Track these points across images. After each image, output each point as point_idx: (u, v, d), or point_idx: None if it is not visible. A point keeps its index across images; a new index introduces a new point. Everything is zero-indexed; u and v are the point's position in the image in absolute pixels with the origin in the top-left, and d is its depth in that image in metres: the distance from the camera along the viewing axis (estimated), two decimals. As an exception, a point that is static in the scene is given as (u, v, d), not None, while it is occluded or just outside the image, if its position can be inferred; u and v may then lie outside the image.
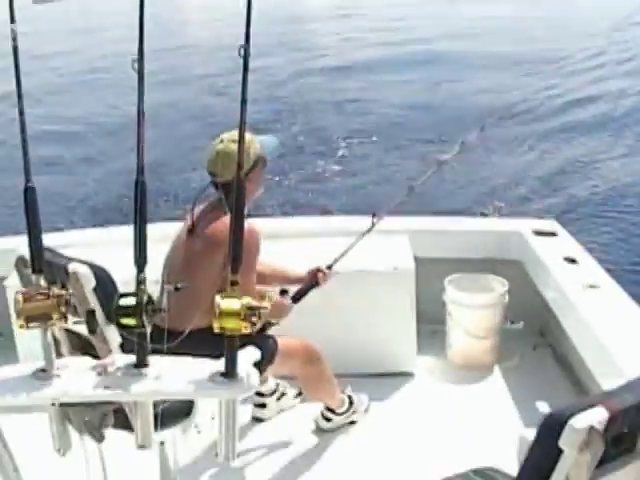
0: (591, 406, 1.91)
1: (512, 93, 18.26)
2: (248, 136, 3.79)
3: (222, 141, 3.94)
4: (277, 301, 4.17)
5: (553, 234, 5.27)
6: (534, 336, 5.38)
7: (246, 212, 2.95)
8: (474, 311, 5.04)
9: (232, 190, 3.53)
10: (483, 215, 10.45)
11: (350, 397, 4.54)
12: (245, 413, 4.59)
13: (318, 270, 4.41)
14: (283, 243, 5.02)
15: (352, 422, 4.55)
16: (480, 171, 13.16)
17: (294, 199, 12.20)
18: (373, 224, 4.52)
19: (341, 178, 13.37)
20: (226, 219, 3.64)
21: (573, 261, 4.81)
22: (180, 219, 4.41)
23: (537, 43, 28.15)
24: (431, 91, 20.54)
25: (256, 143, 3.94)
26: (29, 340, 2.78)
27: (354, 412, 4.54)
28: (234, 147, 3.62)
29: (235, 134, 3.72)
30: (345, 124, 17.11)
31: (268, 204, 11.12)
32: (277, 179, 12.75)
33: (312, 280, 4.39)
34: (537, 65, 22.37)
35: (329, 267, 4.46)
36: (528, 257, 5.17)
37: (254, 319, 2.48)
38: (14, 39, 2.84)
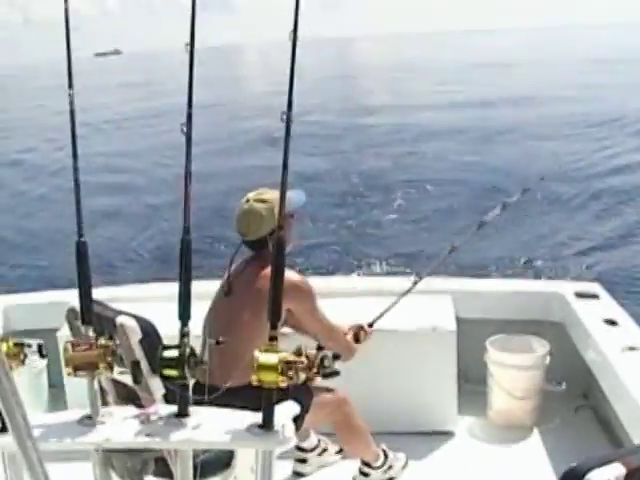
0: (610, 462, 1.96)
1: (562, 155, 18.36)
2: (271, 195, 3.92)
3: (248, 201, 4.02)
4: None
5: (595, 296, 5.28)
6: (576, 398, 5.37)
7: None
8: (515, 372, 5.05)
9: (264, 247, 3.80)
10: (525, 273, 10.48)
11: (385, 451, 4.55)
12: (286, 468, 4.65)
13: (360, 328, 4.49)
14: (327, 301, 5.10)
15: (390, 479, 4.57)
16: (526, 232, 13.16)
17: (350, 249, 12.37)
18: (415, 283, 4.61)
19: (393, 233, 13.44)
20: (263, 274, 3.79)
21: (613, 323, 4.82)
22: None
23: (598, 103, 28.31)
24: (484, 153, 20.62)
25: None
26: (79, 391, 2.90)
27: (390, 467, 4.54)
28: (259, 206, 3.95)
29: (261, 192, 4.02)
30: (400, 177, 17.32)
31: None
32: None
33: (354, 337, 4.46)
34: (590, 128, 22.40)
35: (370, 325, 4.55)
36: (569, 319, 5.19)
37: (291, 373, 2.57)
38: (71, 103, 3.01)
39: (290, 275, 3.71)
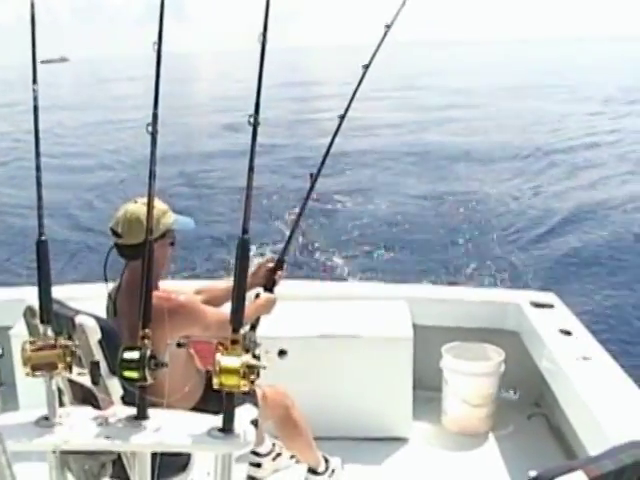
0: (571, 470, 1.99)
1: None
2: (162, 205, 3.63)
3: (135, 202, 3.62)
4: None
5: (550, 306, 5.34)
6: (529, 406, 5.42)
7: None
8: (470, 379, 5.09)
9: (138, 257, 3.27)
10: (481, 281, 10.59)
11: (324, 456, 4.51)
12: (241, 472, 4.62)
13: (272, 270, 4.11)
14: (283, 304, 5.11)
15: None
16: (484, 240, 13.30)
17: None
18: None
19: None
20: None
21: (568, 333, 4.87)
22: (185, 276, 4.47)
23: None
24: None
25: (169, 215, 3.67)
26: (31, 389, 2.87)
27: (333, 471, 4.51)
28: (145, 209, 3.35)
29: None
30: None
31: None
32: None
33: (269, 281, 4.10)
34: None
35: (280, 263, 4.13)
36: (525, 328, 5.24)
37: (252, 377, 2.56)
38: (35, 99, 2.98)
39: (164, 300, 3.44)
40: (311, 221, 14.65)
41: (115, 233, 3.57)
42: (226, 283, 4.16)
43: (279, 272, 4.09)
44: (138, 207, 3.53)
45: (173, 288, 3.74)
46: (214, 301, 3.99)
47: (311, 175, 4.11)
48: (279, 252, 4.19)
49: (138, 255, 3.37)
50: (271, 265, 4.08)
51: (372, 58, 4.10)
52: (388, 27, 4.17)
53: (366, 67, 4.11)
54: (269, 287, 4.06)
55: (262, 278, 4.03)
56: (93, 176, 20.19)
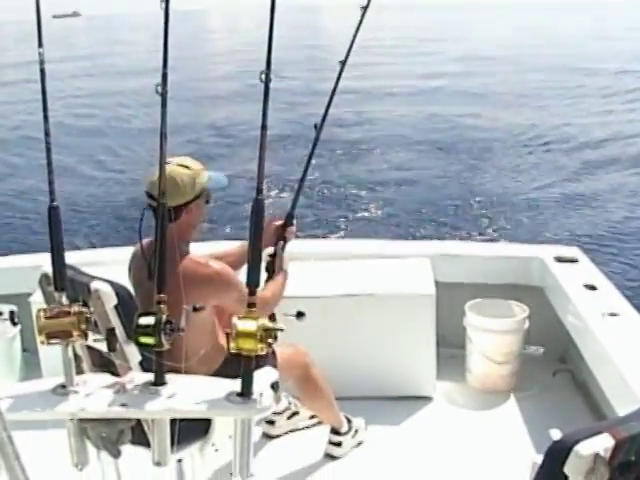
0: (598, 433, 1.93)
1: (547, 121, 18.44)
2: (196, 165, 3.55)
3: (169, 163, 3.44)
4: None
5: (574, 261, 5.26)
6: (554, 362, 5.37)
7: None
8: (494, 336, 5.03)
9: (177, 218, 3.27)
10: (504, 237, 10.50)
11: (347, 416, 4.46)
12: (258, 430, 4.59)
13: (282, 226, 4.03)
14: (304, 264, 5.07)
15: (360, 443, 4.50)
16: (506, 195, 13.18)
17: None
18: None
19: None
20: (186, 261, 3.42)
21: (593, 288, 4.81)
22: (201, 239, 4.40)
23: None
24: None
25: (203, 174, 3.57)
26: (52, 356, 2.84)
27: (356, 431, 4.48)
28: (182, 171, 3.43)
29: (185, 159, 3.55)
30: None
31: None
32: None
33: (280, 238, 4.02)
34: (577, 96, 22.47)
35: (290, 218, 4.05)
36: (549, 283, 5.18)
37: (270, 340, 2.52)
38: (41, 62, 2.92)
39: (203, 266, 3.44)
40: (330, 177, 14.60)
41: (152, 197, 3.41)
42: (239, 247, 4.12)
43: (290, 228, 4.01)
44: (173, 169, 3.43)
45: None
46: (232, 266, 3.93)
47: (315, 126, 4.00)
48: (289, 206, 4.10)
49: (177, 217, 3.36)
50: (280, 221, 4.00)
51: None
52: None
53: (364, 8, 3.97)
54: (281, 245, 3.97)
55: (272, 235, 3.94)
56: (105, 138, 20.10)
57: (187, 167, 3.50)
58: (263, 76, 2.74)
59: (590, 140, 17.73)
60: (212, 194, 3.66)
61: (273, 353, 3.77)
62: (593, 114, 21.56)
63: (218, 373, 3.55)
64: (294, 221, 4.05)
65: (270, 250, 3.92)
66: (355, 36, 3.96)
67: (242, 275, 4.16)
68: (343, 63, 3.97)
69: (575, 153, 16.29)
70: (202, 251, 3.92)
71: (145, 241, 3.56)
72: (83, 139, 19.79)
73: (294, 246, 4.17)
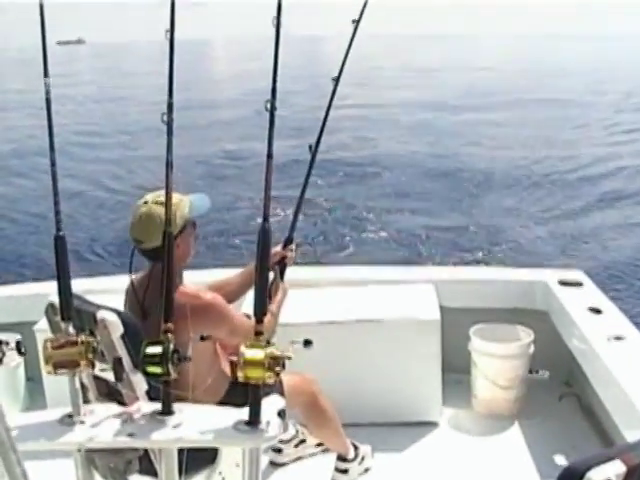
0: (609, 459, 1.92)
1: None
2: (176, 195, 3.36)
3: (146, 202, 3.54)
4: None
5: (579, 284, 5.26)
6: (560, 386, 5.35)
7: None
8: (499, 361, 5.02)
9: (159, 257, 3.08)
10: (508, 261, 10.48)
11: (353, 443, 4.45)
12: (264, 458, 4.56)
13: (282, 250, 4.08)
14: (307, 291, 5.09)
15: (367, 470, 4.48)
16: (510, 220, 13.18)
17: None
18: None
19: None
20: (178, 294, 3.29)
21: (598, 311, 4.80)
22: (215, 266, 4.38)
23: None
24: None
25: (184, 205, 3.56)
26: (57, 385, 2.83)
27: (363, 458, 4.46)
28: (160, 210, 3.36)
29: (160, 194, 3.47)
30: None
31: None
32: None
33: (278, 264, 4.06)
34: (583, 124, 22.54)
35: (289, 241, 4.10)
36: (553, 307, 5.17)
37: (278, 368, 2.51)
38: (47, 92, 2.93)
39: (192, 298, 3.42)
40: (335, 203, 14.62)
41: (135, 239, 3.52)
42: (239, 276, 4.16)
43: (289, 253, 4.05)
44: (150, 208, 3.48)
45: (193, 281, 3.69)
46: (228, 297, 3.95)
47: (310, 147, 4.00)
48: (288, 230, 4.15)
49: (162, 255, 3.35)
50: (279, 245, 4.03)
51: (362, 12, 4.01)
52: None
53: (357, 22, 4.00)
54: (281, 269, 4.02)
55: (272, 260, 3.93)
56: (108, 163, 20.12)
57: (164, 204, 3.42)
58: (268, 105, 2.75)
59: (596, 170, 17.77)
60: (195, 221, 3.68)
61: (280, 381, 3.75)
62: (596, 145, 21.60)
63: (223, 401, 3.55)
64: (293, 246, 4.09)
65: (270, 276, 3.93)
66: (348, 50, 3.96)
67: (244, 303, 4.21)
68: (337, 79, 3.97)
69: (579, 182, 16.31)
70: (203, 280, 3.92)
71: (136, 277, 3.62)
72: (89, 165, 19.81)
73: (299, 273, 4.18)
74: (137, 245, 3.53)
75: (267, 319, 3.72)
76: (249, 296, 4.12)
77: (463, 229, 12.88)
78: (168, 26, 2.92)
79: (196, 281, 3.73)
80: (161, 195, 3.48)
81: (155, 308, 3.36)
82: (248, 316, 3.71)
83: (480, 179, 16.30)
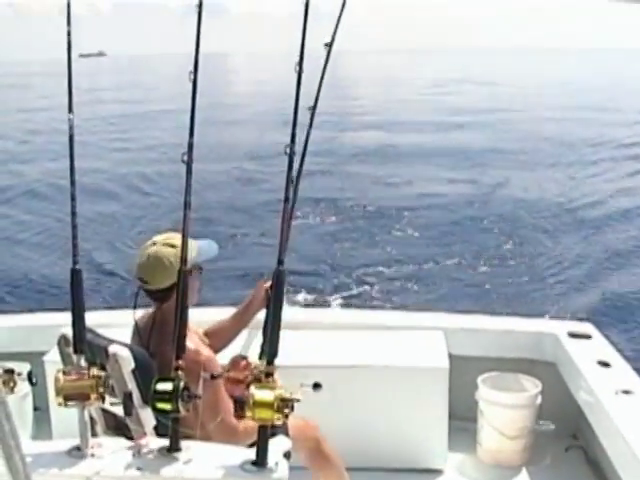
0: None
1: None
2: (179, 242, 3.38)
3: (154, 244, 3.56)
4: None
5: (588, 337, 5.26)
6: (566, 438, 5.33)
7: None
8: (506, 410, 5.01)
9: (169, 298, 3.27)
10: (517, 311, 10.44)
11: None
12: None
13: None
14: (312, 334, 5.11)
15: None
16: (520, 269, 13.16)
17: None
18: None
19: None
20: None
21: (607, 365, 4.80)
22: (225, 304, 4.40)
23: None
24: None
25: (192, 248, 3.42)
26: (65, 416, 2.86)
27: None
28: (168, 251, 3.44)
29: (170, 237, 3.54)
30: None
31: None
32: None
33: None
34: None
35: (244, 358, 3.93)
36: (562, 359, 5.17)
37: (286, 410, 2.54)
38: (70, 128, 2.99)
39: (192, 352, 3.33)
40: (343, 245, 14.66)
41: (141, 280, 3.53)
42: (231, 320, 4.19)
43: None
44: (158, 249, 3.53)
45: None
46: (224, 341, 4.04)
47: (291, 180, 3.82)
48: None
49: (168, 297, 3.42)
50: (270, 282, 3.95)
51: (333, 36, 3.64)
52: None
53: (329, 45, 3.55)
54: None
55: (264, 299, 4.00)
56: (124, 195, 20.19)
57: (173, 246, 3.50)
58: (287, 149, 2.79)
59: (606, 205, 17.73)
60: (202, 265, 3.72)
61: (284, 423, 3.75)
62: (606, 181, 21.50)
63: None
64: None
65: (262, 312, 3.94)
66: (322, 77, 3.62)
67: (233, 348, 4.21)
68: (313, 108, 3.73)
69: (588, 226, 16.22)
70: (199, 317, 3.92)
71: (141, 317, 3.66)
72: (107, 196, 19.89)
73: (309, 314, 4.20)
74: (142, 285, 3.54)
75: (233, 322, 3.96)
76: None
77: (472, 275, 12.91)
78: (189, 39, 2.97)
79: (194, 320, 3.74)
80: (170, 237, 3.58)
81: (158, 348, 3.44)
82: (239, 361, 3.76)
83: (491, 219, 16.29)
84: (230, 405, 3.47)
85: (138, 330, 3.64)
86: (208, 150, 23.87)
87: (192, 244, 3.54)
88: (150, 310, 3.67)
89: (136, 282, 3.57)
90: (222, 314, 4.28)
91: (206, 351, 3.54)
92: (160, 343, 3.41)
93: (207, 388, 3.33)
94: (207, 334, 4.07)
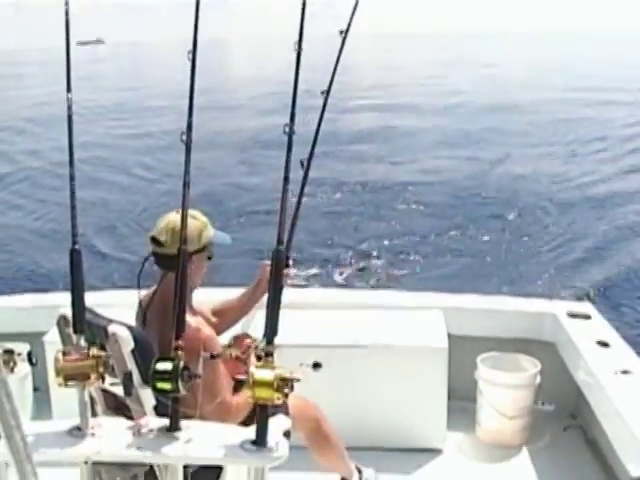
0: None
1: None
2: (203, 218, 3.64)
3: (177, 212, 3.44)
4: None
5: (587, 317, 5.27)
6: (565, 418, 5.35)
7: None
8: (505, 390, 5.03)
9: (173, 268, 3.12)
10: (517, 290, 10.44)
11: (357, 467, 4.41)
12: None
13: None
14: (314, 313, 5.12)
15: None
16: (520, 249, 13.15)
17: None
18: None
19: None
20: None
21: (606, 345, 4.81)
22: (222, 285, 4.40)
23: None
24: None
25: (210, 229, 3.68)
26: (64, 397, 2.86)
27: None
28: (189, 220, 3.33)
29: (193, 212, 3.55)
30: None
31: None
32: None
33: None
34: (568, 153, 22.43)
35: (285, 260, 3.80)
36: (561, 339, 5.17)
37: (286, 390, 2.54)
38: (69, 107, 2.98)
39: (193, 330, 3.36)
40: (344, 225, 14.66)
41: (156, 242, 3.53)
42: (239, 300, 4.18)
43: (286, 271, 4.02)
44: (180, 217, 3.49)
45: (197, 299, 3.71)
46: (230, 321, 4.06)
47: (302, 163, 3.82)
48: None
49: (175, 267, 3.38)
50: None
51: (349, 23, 3.91)
52: None
53: (345, 32, 3.89)
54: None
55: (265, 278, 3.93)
56: (125, 179, 20.16)
57: (195, 218, 3.58)
58: (287, 129, 2.79)
59: (604, 188, 17.65)
60: (214, 252, 3.74)
61: (284, 403, 3.76)
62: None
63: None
64: (291, 263, 4.03)
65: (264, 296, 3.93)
66: (337, 63, 3.87)
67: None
68: (327, 92, 3.87)
69: (588, 206, 16.16)
70: (207, 297, 3.92)
71: (144, 294, 3.66)
72: (105, 174, 19.88)
73: (309, 294, 4.20)
74: (156, 248, 3.53)
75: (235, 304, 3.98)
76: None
77: (474, 255, 12.91)
78: (188, 29, 2.97)
79: (199, 300, 3.75)
80: (196, 213, 3.62)
81: (156, 318, 3.49)
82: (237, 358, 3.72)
83: (490, 204, 16.25)
84: (228, 384, 3.50)
85: (142, 308, 3.64)
86: (215, 134, 23.87)
87: (210, 226, 3.66)
88: (153, 288, 3.67)
89: (148, 248, 3.57)
90: (231, 294, 4.29)
91: (207, 330, 3.53)
92: (161, 321, 3.41)
93: (206, 367, 3.36)
94: (214, 313, 4.09)
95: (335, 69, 3.88)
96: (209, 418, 3.10)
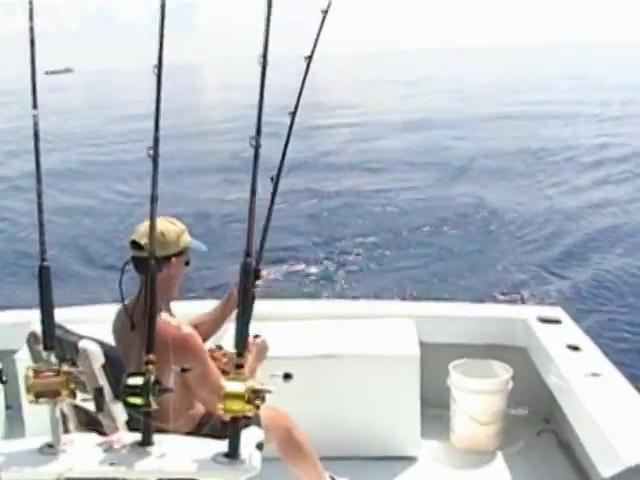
0: None
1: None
2: (181, 225, 3.71)
3: (159, 217, 3.38)
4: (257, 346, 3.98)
5: (558, 321, 5.31)
6: (538, 422, 5.37)
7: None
8: (478, 396, 5.05)
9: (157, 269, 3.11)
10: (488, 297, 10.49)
11: (332, 477, 4.40)
12: None
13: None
14: (287, 324, 5.12)
15: None
16: (489, 256, 13.21)
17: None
18: None
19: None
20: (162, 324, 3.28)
21: (576, 349, 4.84)
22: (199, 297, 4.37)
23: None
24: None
25: (187, 235, 3.74)
26: (37, 414, 2.85)
27: None
28: (168, 225, 3.60)
29: (171, 219, 3.70)
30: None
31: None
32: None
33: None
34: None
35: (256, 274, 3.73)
36: (532, 344, 5.21)
37: (258, 402, 2.54)
38: (35, 124, 2.97)
39: (173, 328, 3.42)
40: (315, 238, 14.66)
41: (137, 245, 3.52)
42: (213, 313, 4.22)
43: (257, 282, 4.00)
44: (161, 222, 3.52)
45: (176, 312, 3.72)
46: (206, 334, 4.04)
47: (272, 178, 3.72)
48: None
49: (159, 270, 3.37)
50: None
51: (314, 46, 3.91)
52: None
53: (309, 58, 3.89)
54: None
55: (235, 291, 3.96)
56: (97, 194, 20.06)
57: (174, 224, 3.67)
58: (253, 142, 2.79)
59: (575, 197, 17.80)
60: (190, 259, 3.77)
61: (256, 414, 3.75)
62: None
63: (198, 429, 3.56)
64: (262, 275, 3.98)
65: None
66: (302, 87, 3.92)
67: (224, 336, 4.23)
68: (293, 114, 3.87)
69: (557, 212, 16.28)
70: (181, 310, 3.92)
71: (128, 298, 3.64)
72: (76, 193, 19.78)
73: (279, 306, 4.20)
74: (136, 252, 3.53)
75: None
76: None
77: (444, 260, 12.97)
78: (154, 54, 2.96)
79: (179, 312, 3.75)
80: (174, 220, 3.72)
81: (142, 323, 3.43)
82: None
83: (462, 214, 16.28)
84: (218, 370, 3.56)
85: (128, 314, 3.56)
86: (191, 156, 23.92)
87: (187, 234, 3.73)
88: (135, 294, 3.66)
89: (127, 253, 3.59)
90: (206, 307, 4.29)
91: (188, 327, 3.55)
92: (143, 316, 3.39)
93: (197, 361, 3.40)
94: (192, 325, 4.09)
95: (300, 93, 3.92)
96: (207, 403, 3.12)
